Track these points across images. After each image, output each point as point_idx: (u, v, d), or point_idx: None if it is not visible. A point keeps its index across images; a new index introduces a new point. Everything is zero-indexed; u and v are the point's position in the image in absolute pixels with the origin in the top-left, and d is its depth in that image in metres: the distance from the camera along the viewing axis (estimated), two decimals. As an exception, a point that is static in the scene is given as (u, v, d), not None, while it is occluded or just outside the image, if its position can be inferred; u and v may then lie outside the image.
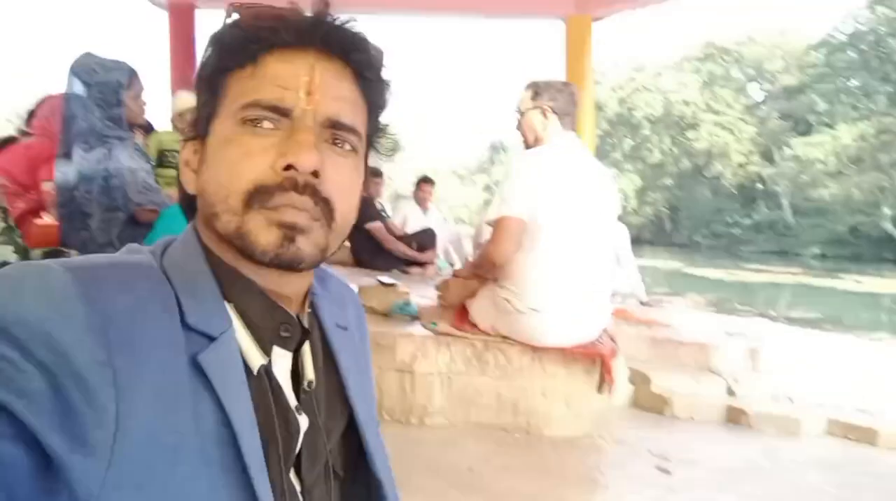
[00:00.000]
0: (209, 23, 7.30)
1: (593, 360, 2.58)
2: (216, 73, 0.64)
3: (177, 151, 3.31)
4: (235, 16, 0.64)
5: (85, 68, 2.64)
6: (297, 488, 0.67)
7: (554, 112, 2.64)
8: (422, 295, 3.28)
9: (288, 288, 0.67)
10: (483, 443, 2.39)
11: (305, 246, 0.61)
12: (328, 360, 0.76)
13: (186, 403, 0.55)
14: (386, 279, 3.02)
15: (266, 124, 0.61)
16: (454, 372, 2.55)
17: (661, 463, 2.36)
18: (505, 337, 2.58)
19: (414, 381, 2.50)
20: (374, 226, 5.60)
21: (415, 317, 2.88)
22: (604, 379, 2.61)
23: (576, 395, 2.59)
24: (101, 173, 2.61)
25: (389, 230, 5.84)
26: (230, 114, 0.62)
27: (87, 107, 2.65)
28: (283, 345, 0.66)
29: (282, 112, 0.61)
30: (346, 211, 0.66)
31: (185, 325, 0.58)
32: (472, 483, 1.99)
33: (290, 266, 0.61)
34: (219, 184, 0.61)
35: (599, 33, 7.79)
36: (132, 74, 2.71)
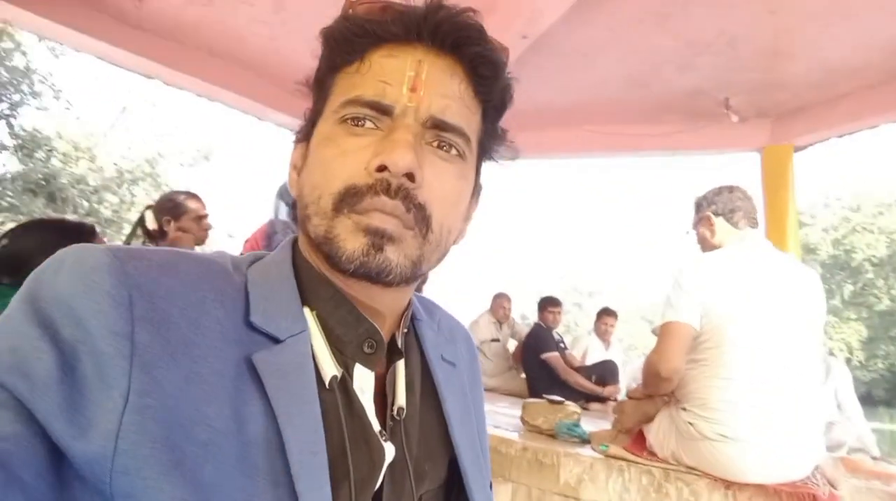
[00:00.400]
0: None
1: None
2: (326, 71, 0.63)
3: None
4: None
5: (287, 191, 3.00)
6: None
7: (718, 215, 2.42)
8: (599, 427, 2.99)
9: (379, 302, 0.61)
10: None
11: (394, 255, 0.56)
12: (429, 394, 0.68)
13: (227, 400, 0.48)
14: (554, 396, 2.82)
15: (367, 123, 0.58)
16: (627, 503, 2.22)
17: None
18: (690, 468, 2.22)
19: (580, 509, 2.22)
20: (551, 355, 5.43)
21: (584, 441, 2.62)
22: (820, 529, 2.11)
23: (783, 546, 2.11)
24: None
25: (567, 362, 5.61)
26: (332, 113, 0.60)
27: (288, 225, 2.96)
28: (366, 363, 0.60)
29: (382, 109, 0.57)
30: (446, 221, 0.60)
31: (249, 324, 0.54)
32: None
33: (377, 277, 0.56)
34: (313, 185, 0.58)
35: (803, 167, 7.26)
36: None
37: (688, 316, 2.22)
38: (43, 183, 17.24)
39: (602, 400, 5.30)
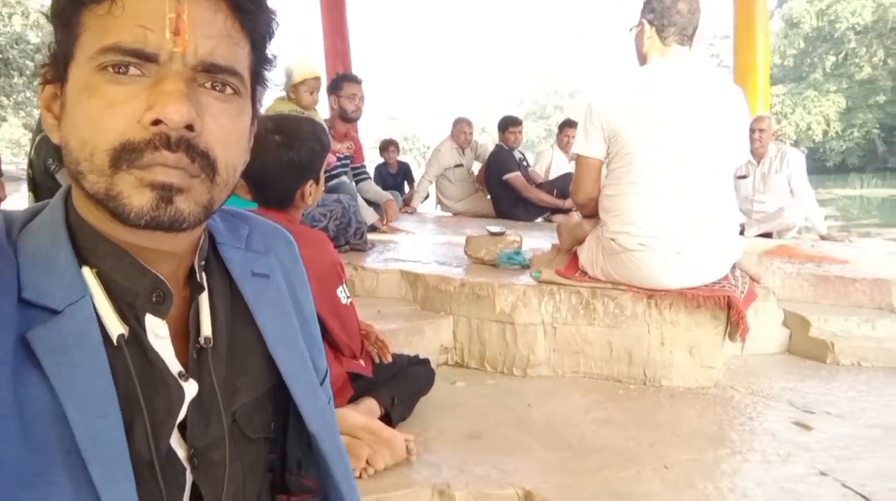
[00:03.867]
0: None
1: (721, 305, 2.28)
2: (69, 5, 0.57)
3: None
4: None
5: None
6: (182, 454, 0.63)
7: (652, 24, 2.33)
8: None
9: (169, 245, 0.61)
10: (589, 395, 2.23)
11: (185, 205, 0.56)
12: (242, 312, 0.71)
13: (7, 384, 0.51)
14: (494, 228, 2.92)
15: (131, 70, 0.54)
16: (559, 323, 2.40)
17: (802, 417, 2.04)
18: (617, 284, 2.38)
19: (515, 332, 2.40)
20: (512, 176, 5.51)
21: (525, 267, 2.76)
22: (736, 326, 2.31)
23: (701, 343, 2.32)
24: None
25: (529, 179, 5.69)
26: (88, 59, 0.55)
27: None
28: (155, 312, 0.62)
29: (146, 56, 0.54)
30: (231, 160, 0.60)
31: (22, 300, 0.54)
32: (561, 436, 1.87)
33: (170, 227, 0.56)
34: (81, 139, 0.55)
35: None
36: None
37: (595, 150, 2.32)
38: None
39: (565, 211, 5.47)
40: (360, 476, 1.56)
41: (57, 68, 0.59)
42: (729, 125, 2.31)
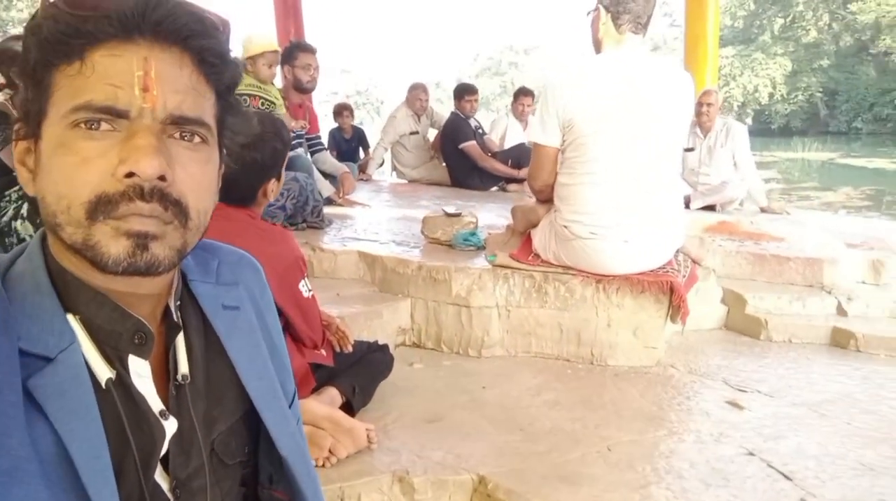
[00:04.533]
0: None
1: (664, 289, 2.42)
2: (40, 66, 0.59)
3: (249, 95, 3.38)
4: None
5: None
6: (165, 486, 0.68)
7: (608, 11, 2.38)
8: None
9: (145, 288, 0.65)
10: (540, 375, 2.35)
11: (160, 250, 0.59)
12: (215, 343, 0.75)
13: (25, 427, 0.55)
14: (451, 209, 2.98)
15: (103, 125, 0.57)
16: (512, 305, 2.50)
17: (734, 396, 2.21)
18: (568, 268, 2.48)
19: (471, 314, 2.49)
20: (468, 145, 5.54)
21: (481, 248, 2.84)
22: (677, 309, 2.45)
23: (645, 325, 2.46)
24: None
25: (484, 148, 5.73)
26: (61, 117, 0.58)
27: None
28: (138, 353, 0.66)
29: (117, 113, 0.57)
30: (202, 205, 0.64)
31: (21, 349, 0.57)
32: (513, 419, 1.98)
33: (146, 272, 0.59)
34: (57, 194, 0.58)
35: None
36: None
37: (551, 139, 2.38)
38: None
39: (520, 181, 5.55)
40: (322, 465, 1.63)
41: (30, 125, 0.62)
42: (678, 114, 2.41)
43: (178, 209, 0.60)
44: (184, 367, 0.70)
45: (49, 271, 0.63)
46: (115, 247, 0.57)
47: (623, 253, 2.35)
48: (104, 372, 0.62)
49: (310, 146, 4.25)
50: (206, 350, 0.74)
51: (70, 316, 0.61)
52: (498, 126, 6.35)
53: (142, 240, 0.58)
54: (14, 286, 0.61)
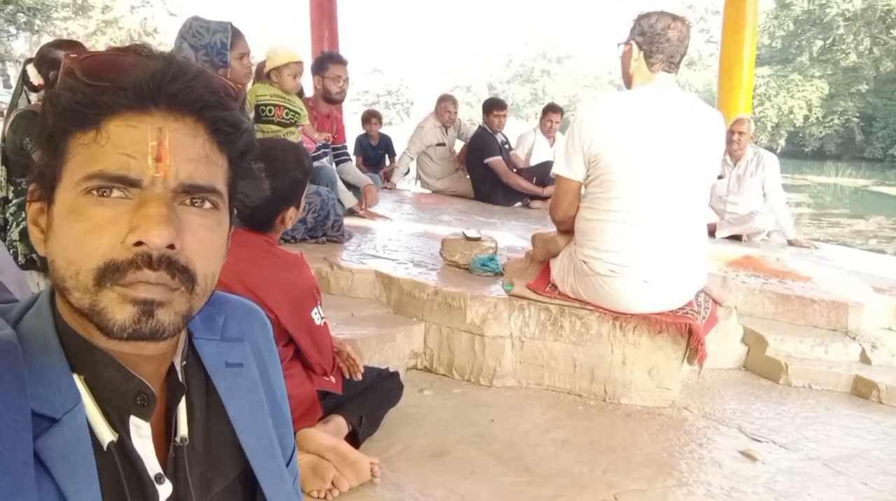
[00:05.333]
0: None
1: (682, 332, 2.37)
2: (57, 131, 0.60)
3: (273, 105, 3.40)
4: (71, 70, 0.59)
5: (191, 31, 2.76)
6: None
7: (640, 48, 2.35)
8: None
9: (151, 350, 0.65)
10: (551, 410, 2.32)
11: (165, 316, 0.60)
12: (216, 402, 0.75)
13: (31, 487, 0.55)
14: (471, 232, 2.96)
15: (115, 192, 0.58)
16: (527, 336, 2.47)
17: (748, 446, 2.16)
18: (585, 303, 2.45)
19: (484, 343, 2.47)
20: (493, 160, 5.51)
21: (498, 274, 2.81)
22: (695, 351, 2.40)
23: (660, 365, 2.42)
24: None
25: (509, 163, 5.70)
26: (74, 183, 0.58)
27: None
28: (140, 415, 0.65)
29: (130, 182, 0.57)
30: (209, 270, 0.64)
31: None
32: (520, 458, 1.95)
33: (151, 337, 0.60)
34: (67, 259, 0.59)
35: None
36: (235, 34, 2.80)
37: (574, 172, 2.35)
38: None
39: (544, 198, 5.51)
40: (324, 498, 1.63)
41: (44, 188, 0.62)
42: (708, 155, 2.37)
43: (185, 276, 0.60)
44: (183, 429, 0.70)
45: (57, 330, 0.63)
46: (121, 313, 0.57)
47: (642, 293, 2.32)
48: (107, 436, 0.62)
49: (335, 156, 4.26)
50: (207, 409, 0.74)
51: (76, 377, 0.62)
52: (525, 142, 6.32)
53: (148, 307, 0.58)
54: (24, 343, 0.61)
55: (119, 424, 0.64)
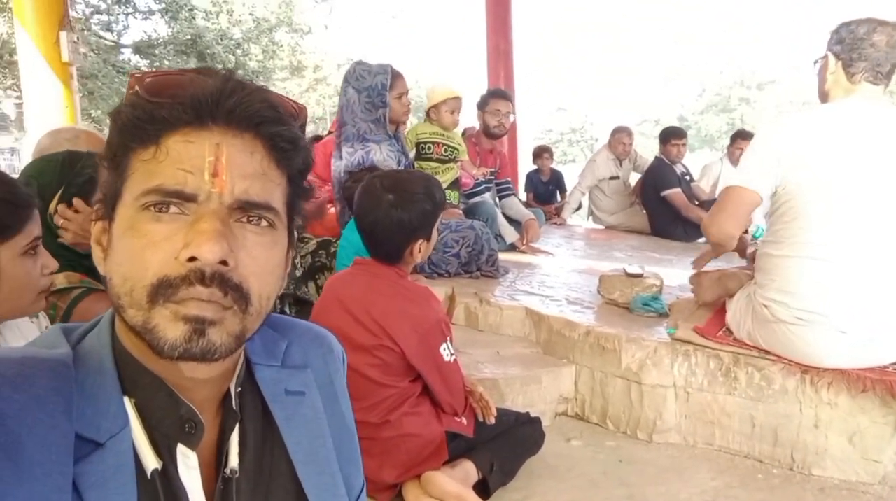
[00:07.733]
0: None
1: (893, 392, 1.93)
2: (120, 149, 0.61)
3: (432, 143, 3.46)
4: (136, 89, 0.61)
5: (354, 75, 2.95)
6: None
7: (839, 58, 2.00)
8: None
9: (201, 373, 0.62)
10: (721, 476, 1.99)
11: (217, 336, 0.58)
12: (272, 433, 0.71)
13: None
14: (632, 268, 2.71)
15: (171, 208, 0.58)
16: (693, 387, 2.17)
17: None
18: (765, 352, 2.10)
19: (642, 392, 2.20)
20: (671, 192, 5.16)
21: (663, 315, 2.53)
22: (912, 416, 1.94)
23: (865, 432, 1.98)
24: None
25: (690, 196, 5.28)
26: (133, 199, 0.59)
27: (354, 113, 2.95)
28: (187, 443, 0.63)
29: (186, 197, 0.57)
30: (265, 291, 0.62)
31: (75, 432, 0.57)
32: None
33: (202, 358, 0.58)
34: (123, 276, 0.58)
35: None
36: (395, 76, 2.94)
37: (758, 184, 1.98)
38: (191, 43, 18.16)
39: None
40: (444, 550, 1.51)
41: (107, 207, 0.63)
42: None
43: (238, 294, 0.58)
44: (234, 460, 0.66)
45: (114, 350, 0.62)
46: (172, 331, 0.56)
47: (839, 345, 1.92)
48: (151, 463, 0.60)
49: (499, 191, 4.22)
50: (263, 439, 0.70)
51: (126, 400, 0.60)
52: (710, 172, 5.83)
53: (199, 326, 0.56)
54: (81, 363, 0.61)
55: (166, 451, 0.61)
